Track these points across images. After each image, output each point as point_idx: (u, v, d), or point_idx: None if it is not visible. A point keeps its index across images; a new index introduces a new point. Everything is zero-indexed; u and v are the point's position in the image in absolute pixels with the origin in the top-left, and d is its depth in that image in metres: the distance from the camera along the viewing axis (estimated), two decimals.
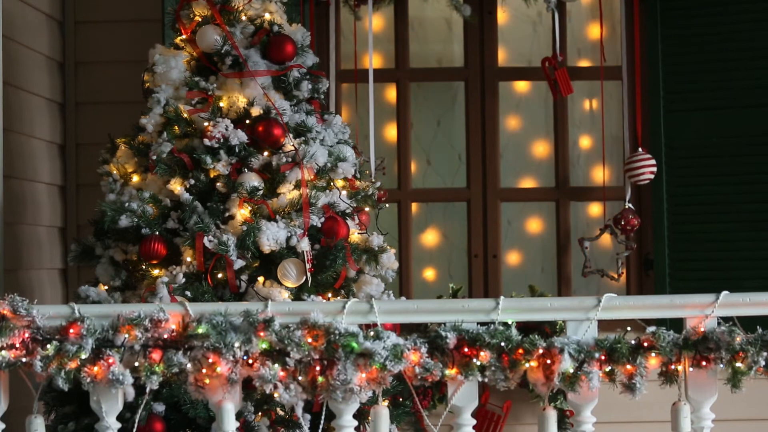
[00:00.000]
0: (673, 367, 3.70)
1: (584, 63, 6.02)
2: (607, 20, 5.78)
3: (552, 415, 3.78)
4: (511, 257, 6.08)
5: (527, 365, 3.67)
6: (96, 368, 3.63)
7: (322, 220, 4.44)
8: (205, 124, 4.47)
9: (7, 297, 3.67)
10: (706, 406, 3.76)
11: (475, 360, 3.66)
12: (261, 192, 4.41)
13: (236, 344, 3.63)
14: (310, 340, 3.64)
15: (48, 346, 3.63)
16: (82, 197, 5.63)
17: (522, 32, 6.13)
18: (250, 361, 3.64)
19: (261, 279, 4.37)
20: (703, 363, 3.69)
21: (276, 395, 3.67)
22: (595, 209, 5.98)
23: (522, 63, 6.07)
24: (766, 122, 5.44)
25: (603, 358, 3.68)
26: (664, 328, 3.73)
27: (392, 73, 5.90)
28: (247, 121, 4.50)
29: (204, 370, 3.63)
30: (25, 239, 5.22)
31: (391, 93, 6.02)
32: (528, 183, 6.10)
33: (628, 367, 3.68)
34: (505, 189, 5.88)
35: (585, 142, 6.08)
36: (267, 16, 4.69)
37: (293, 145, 4.48)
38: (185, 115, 4.51)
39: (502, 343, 3.67)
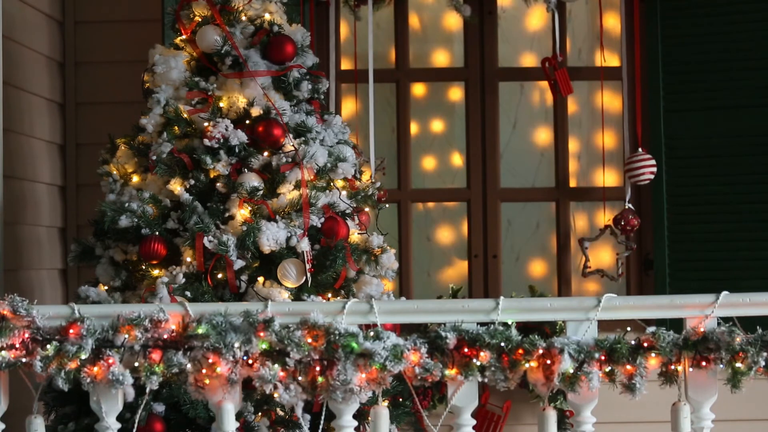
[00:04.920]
0: (673, 367, 3.70)
1: (584, 63, 6.01)
2: (607, 20, 5.78)
3: (552, 415, 3.78)
4: (511, 257, 6.07)
5: (527, 365, 3.67)
6: (96, 368, 3.63)
7: (322, 220, 4.44)
8: (205, 124, 4.47)
9: (7, 297, 3.67)
10: (706, 406, 3.76)
11: (475, 360, 3.66)
12: (261, 192, 4.41)
13: (236, 344, 3.63)
14: (310, 340, 3.63)
15: (48, 346, 3.63)
16: (82, 197, 5.63)
17: (522, 32, 6.12)
18: (250, 362, 3.64)
19: (261, 279, 4.36)
20: (703, 363, 3.69)
21: (276, 395, 3.67)
22: (595, 209, 5.97)
23: (522, 63, 6.06)
24: (766, 122, 5.44)
25: (603, 358, 3.68)
26: (664, 329, 3.72)
27: (392, 73, 5.90)
28: (247, 122, 4.50)
29: (204, 371, 3.63)
30: (25, 239, 5.22)
31: (391, 93, 6.01)
32: (528, 183, 6.09)
33: (628, 367, 3.67)
34: (505, 189, 5.88)
35: (585, 142, 6.08)
36: (267, 16, 4.69)
37: (293, 145, 4.48)
38: (185, 116, 4.51)
39: (502, 344, 3.67)
